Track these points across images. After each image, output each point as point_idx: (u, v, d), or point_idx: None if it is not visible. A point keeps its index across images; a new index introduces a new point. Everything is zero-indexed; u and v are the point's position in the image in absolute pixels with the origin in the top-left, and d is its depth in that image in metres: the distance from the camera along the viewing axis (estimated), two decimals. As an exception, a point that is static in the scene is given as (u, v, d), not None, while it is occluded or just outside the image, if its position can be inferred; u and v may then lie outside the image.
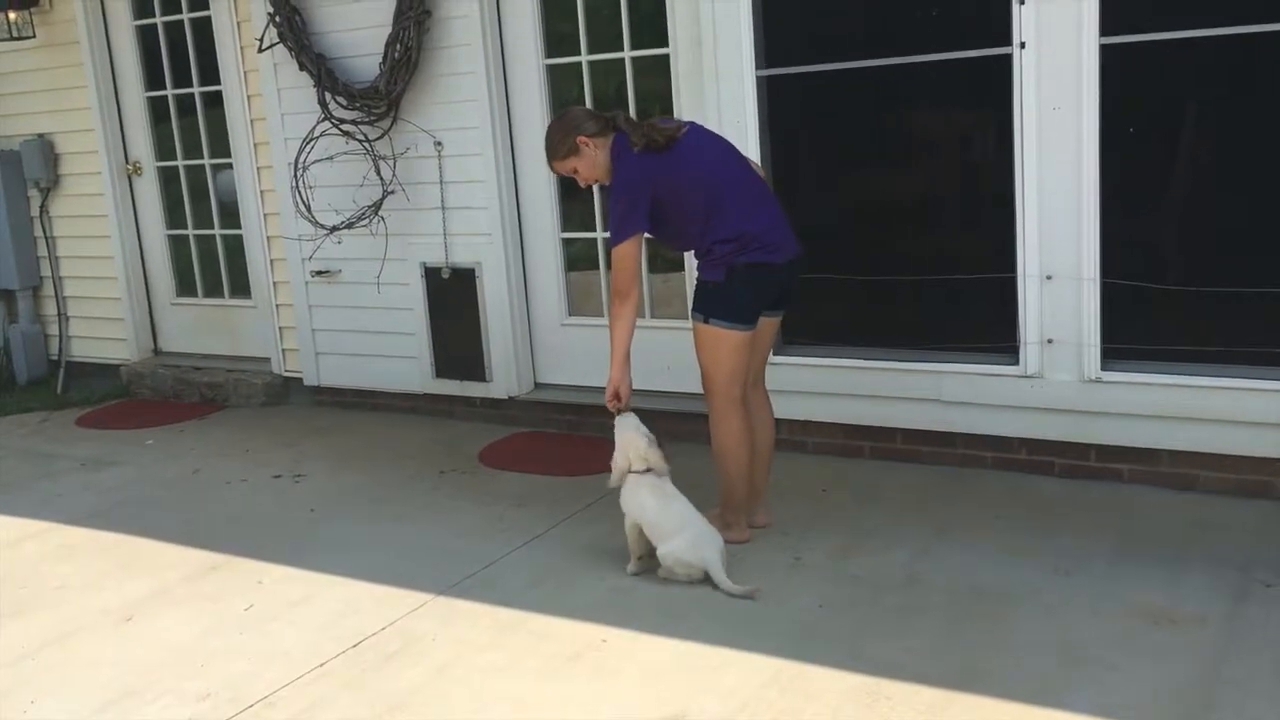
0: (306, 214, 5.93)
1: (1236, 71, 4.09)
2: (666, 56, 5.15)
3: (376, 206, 5.76)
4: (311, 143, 5.84)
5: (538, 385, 5.82)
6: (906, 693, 3.10)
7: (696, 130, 4.05)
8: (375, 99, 5.64)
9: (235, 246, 6.78)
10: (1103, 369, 4.33)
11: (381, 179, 5.74)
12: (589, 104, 5.38)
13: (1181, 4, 4.08)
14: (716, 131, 4.89)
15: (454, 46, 5.51)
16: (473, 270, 5.69)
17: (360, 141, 5.76)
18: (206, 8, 6.41)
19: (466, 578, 4.04)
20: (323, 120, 5.79)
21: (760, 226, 3.91)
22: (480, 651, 3.54)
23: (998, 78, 4.34)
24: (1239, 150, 4.18)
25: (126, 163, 7.03)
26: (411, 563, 4.21)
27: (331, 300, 6.19)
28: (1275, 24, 3.90)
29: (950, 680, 3.13)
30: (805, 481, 4.70)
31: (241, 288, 6.81)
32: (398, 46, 5.53)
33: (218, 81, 6.47)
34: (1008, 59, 4.30)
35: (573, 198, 5.60)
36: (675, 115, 5.15)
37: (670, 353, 5.39)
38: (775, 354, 4.98)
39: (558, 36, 5.45)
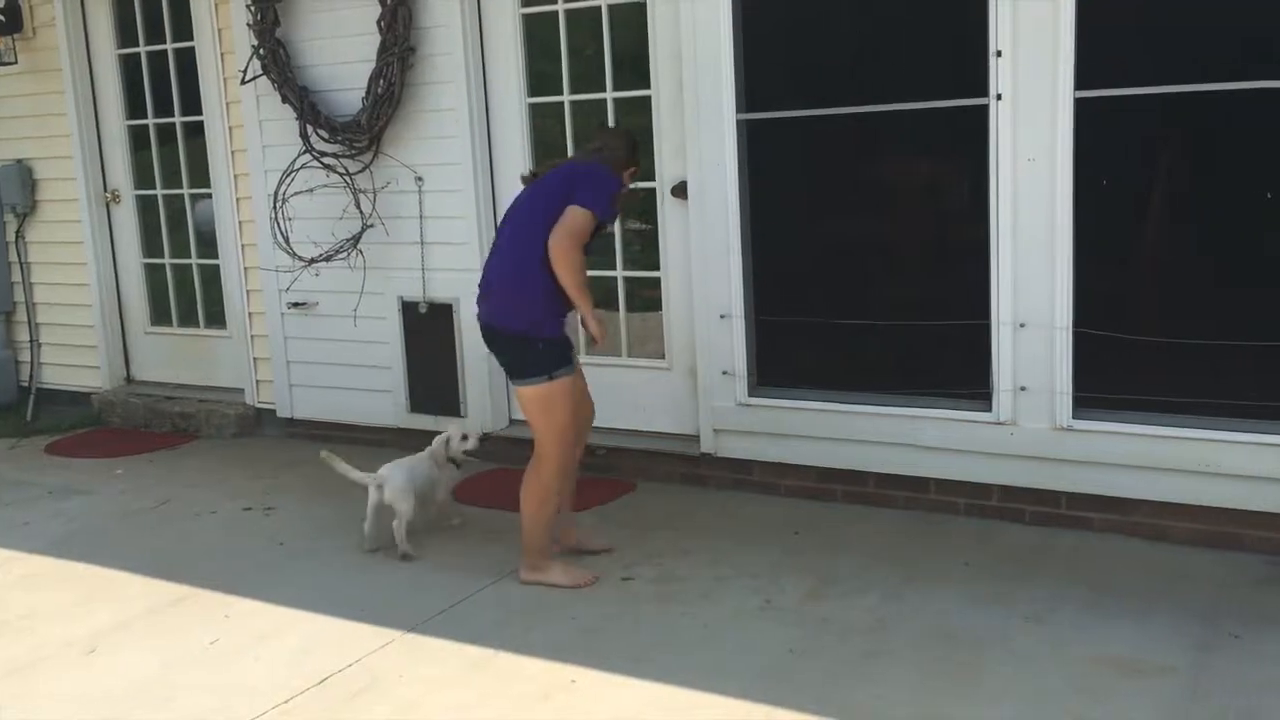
0: (285, 246, 5.92)
1: (1209, 125, 4.16)
2: (648, 98, 5.20)
3: (355, 240, 5.77)
4: (292, 175, 5.85)
5: (513, 422, 5.80)
6: (875, 739, 3.10)
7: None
8: (357, 133, 5.66)
9: (212, 276, 6.76)
10: (1074, 417, 4.36)
11: (361, 212, 5.75)
12: (570, 143, 5.42)
13: (1155, 60, 4.16)
14: (697, 172, 4.98)
15: (437, 83, 5.55)
16: (450, 305, 5.70)
17: (341, 175, 5.77)
18: (190, 38, 6.43)
19: (436, 614, 4.01)
20: (304, 153, 5.81)
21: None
22: (448, 690, 3.51)
23: (975, 128, 4.40)
24: (1211, 202, 4.24)
25: (105, 190, 7.01)
26: (381, 598, 4.18)
27: (307, 332, 6.18)
28: (1245, 83, 3.97)
29: (920, 727, 3.13)
30: (777, 524, 4.70)
31: (216, 318, 6.79)
32: (381, 82, 5.56)
33: (199, 112, 6.47)
34: (984, 110, 4.36)
35: (552, 235, 5.61)
36: (656, 155, 5.20)
37: (645, 392, 5.42)
38: (750, 395, 5.03)
39: (540, 76, 5.49)
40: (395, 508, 4.62)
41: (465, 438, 4.83)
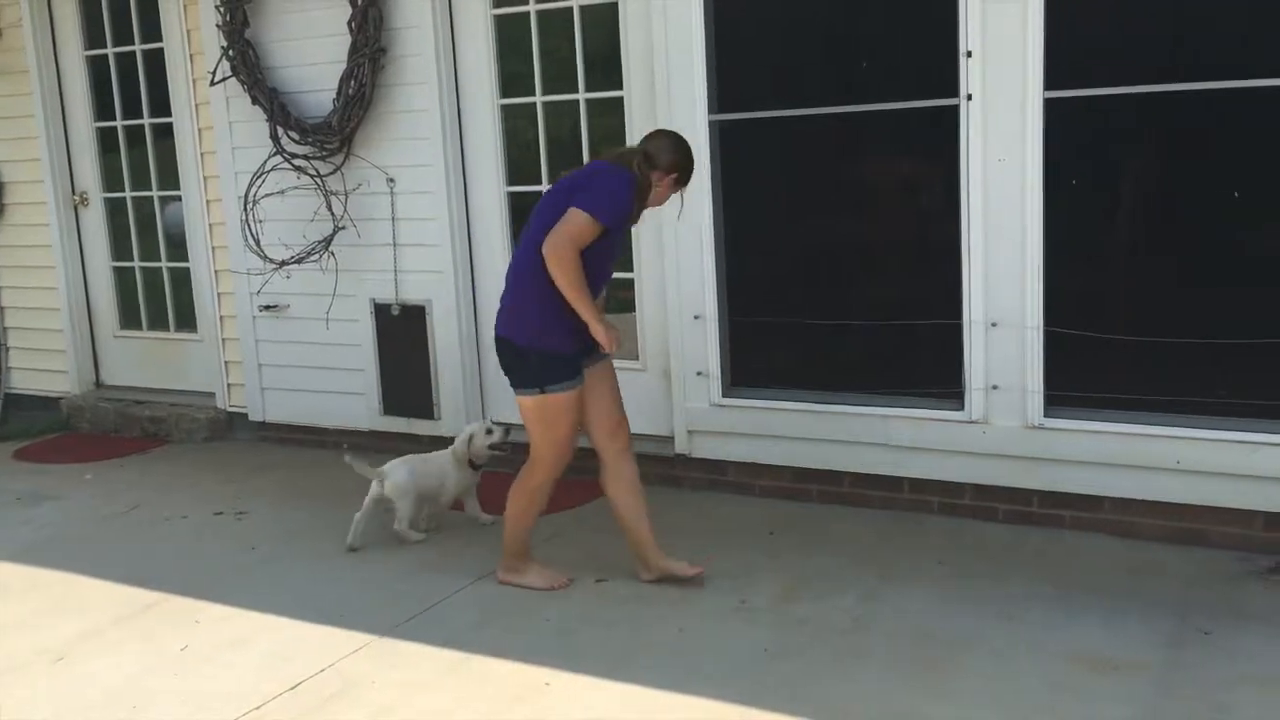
0: (256, 248, 5.88)
1: (1178, 125, 4.19)
2: (621, 99, 5.19)
3: (327, 242, 5.73)
4: (262, 177, 5.82)
5: (487, 424, 5.78)
6: (850, 738, 3.10)
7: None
8: (328, 134, 5.62)
9: (182, 279, 6.70)
10: (1045, 415, 4.39)
11: (333, 214, 5.72)
12: (543, 144, 5.42)
13: (1125, 60, 4.19)
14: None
15: (408, 84, 5.52)
16: (423, 307, 5.67)
17: (312, 177, 5.74)
18: (159, 39, 6.38)
19: (410, 618, 3.99)
20: (274, 154, 5.77)
21: None
22: (422, 693, 3.49)
23: (946, 128, 4.42)
24: (1180, 202, 4.27)
25: (73, 193, 6.94)
26: (354, 603, 4.15)
27: (279, 335, 6.14)
28: (1215, 82, 4.00)
29: (894, 726, 3.14)
30: (752, 524, 4.71)
31: (187, 321, 6.73)
32: (352, 83, 5.53)
33: (168, 113, 6.42)
34: (955, 110, 4.38)
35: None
36: (628, 157, 5.19)
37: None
38: (724, 396, 5.03)
39: (513, 77, 5.47)
40: (395, 505, 4.63)
41: (490, 431, 4.72)
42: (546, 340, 3.90)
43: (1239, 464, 4.09)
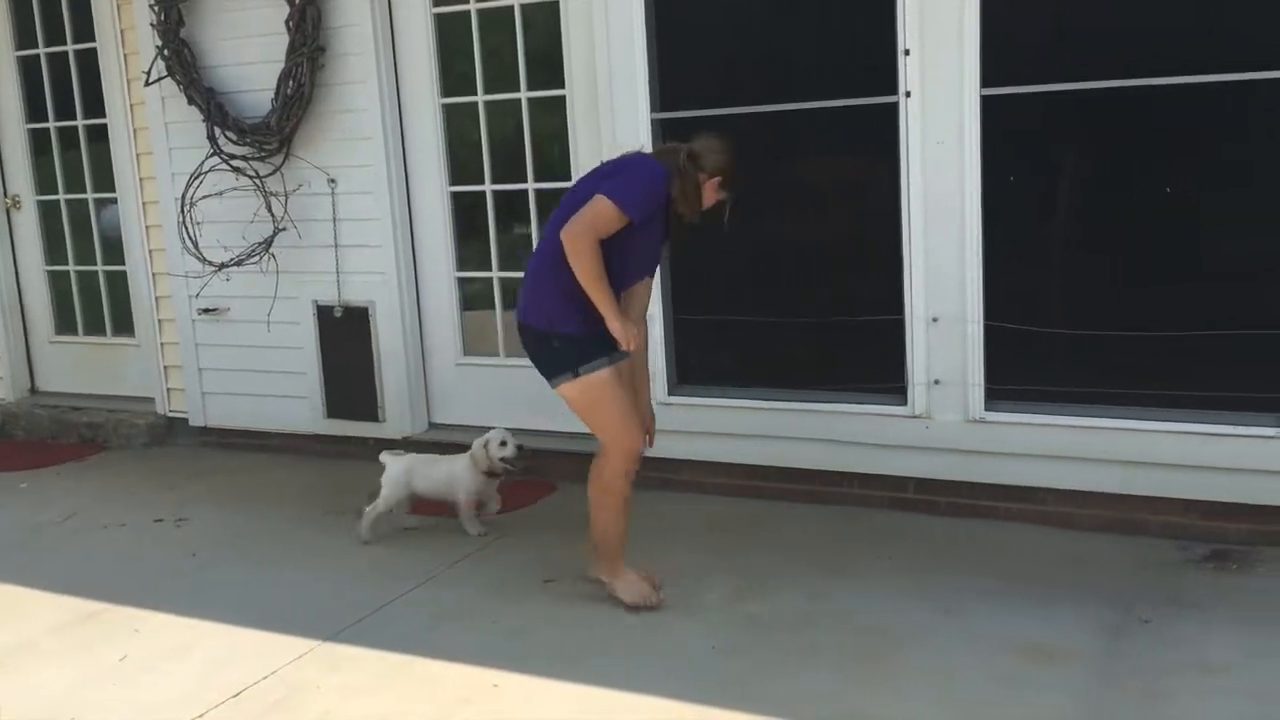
0: (194, 251, 5.79)
1: (1114, 122, 4.25)
2: (564, 98, 5.18)
3: (267, 244, 5.66)
4: (200, 178, 5.73)
5: (432, 425, 5.75)
6: (798, 733, 3.11)
7: None
8: (267, 135, 5.55)
9: (118, 283, 6.58)
10: (986, 409, 4.44)
11: (273, 216, 5.64)
12: (486, 144, 5.39)
13: (1061, 58, 4.24)
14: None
15: (348, 84, 5.47)
16: (366, 309, 5.62)
17: (251, 178, 5.66)
18: (92, 39, 6.26)
19: (355, 622, 3.95)
20: (212, 155, 5.69)
21: None
22: (367, 698, 3.45)
23: (886, 126, 4.45)
24: (1116, 197, 4.34)
25: (4, 196, 6.79)
26: (298, 608, 4.10)
27: (219, 339, 6.05)
28: (1149, 79, 4.07)
29: (840, 720, 3.16)
30: (701, 523, 4.72)
31: (125, 325, 6.61)
32: (290, 82, 5.46)
33: (103, 114, 6.30)
34: (894, 107, 4.41)
35: (469, 237, 5.58)
36: (572, 155, 5.18)
37: (533, 390, 5.39)
38: (671, 394, 5.04)
39: (454, 76, 5.44)
40: (381, 490, 4.70)
41: (504, 444, 4.59)
42: (568, 324, 3.72)
43: (1176, 454, 4.16)
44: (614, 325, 3.67)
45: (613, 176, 3.70)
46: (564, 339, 3.74)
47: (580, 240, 3.60)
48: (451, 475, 4.68)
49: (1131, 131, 4.23)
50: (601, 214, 3.61)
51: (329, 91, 5.51)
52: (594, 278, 3.62)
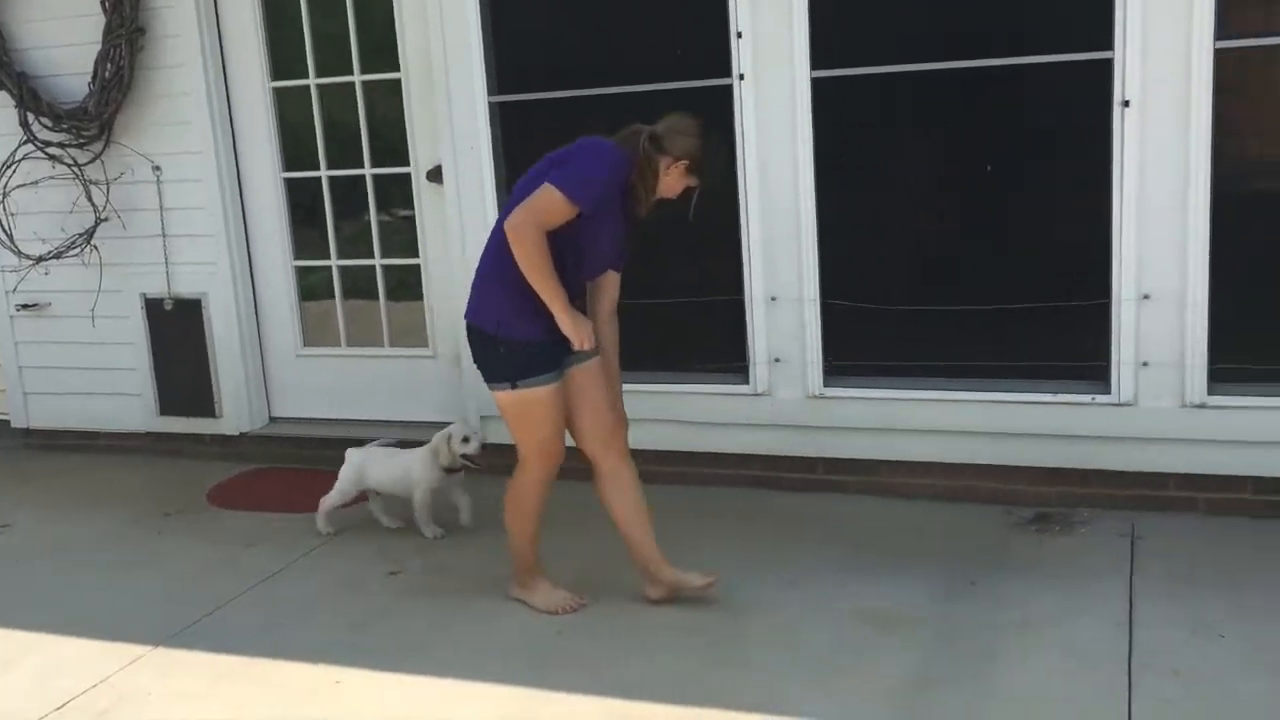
0: (9, 243, 5.51)
1: (945, 103, 4.39)
2: (399, 80, 5.07)
3: (89, 235, 5.40)
4: (12, 166, 5.44)
5: (272, 420, 5.59)
6: (645, 712, 3.13)
7: None
8: (85, 120, 5.29)
9: (-72, 279, 6.19)
10: (825, 385, 4.54)
11: (94, 205, 5.39)
12: (319, 128, 5.24)
13: (890, 40, 4.35)
14: (451, 157, 4.90)
15: (170, 67, 5.25)
16: (198, 301, 5.42)
17: (69, 166, 5.39)
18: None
19: (190, 625, 3.82)
20: (25, 143, 5.41)
21: None
22: (201, 702, 3.34)
23: (723, 108, 4.50)
24: (947, 176, 4.49)
25: None
26: (131, 613, 3.94)
27: (41, 335, 5.75)
28: (975, 60, 4.20)
29: (689, 697, 3.18)
30: (551, 507, 4.67)
31: (-64, 324, 6.23)
32: (108, 65, 5.22)
33: (-97, 99, 5.91)
34: (729, 90, 4.46)
35: (307, 225, 5.42)
36: (409, 140, 5.09)
37: (410, 382, 5.32)
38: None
39: (285, 58, 5.27)
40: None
41: (467, 439, 4.35)
42: (515, 328, 3.46)
43: (1003, 423, 4.33)
44: (564, 322, 3.42)
45: (562, 164, 3.42)
46: (512, 346, 3.47)
47: (522, 231, 3.33)
48: (407, 470, 4.44)
49: (959, 111, 4.37)
50: (547, 203, 3.33)
51: (151, 75, 5.28)
52: (538, 271, 3.34)
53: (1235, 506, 4.13)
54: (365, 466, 4.52)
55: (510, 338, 3.46)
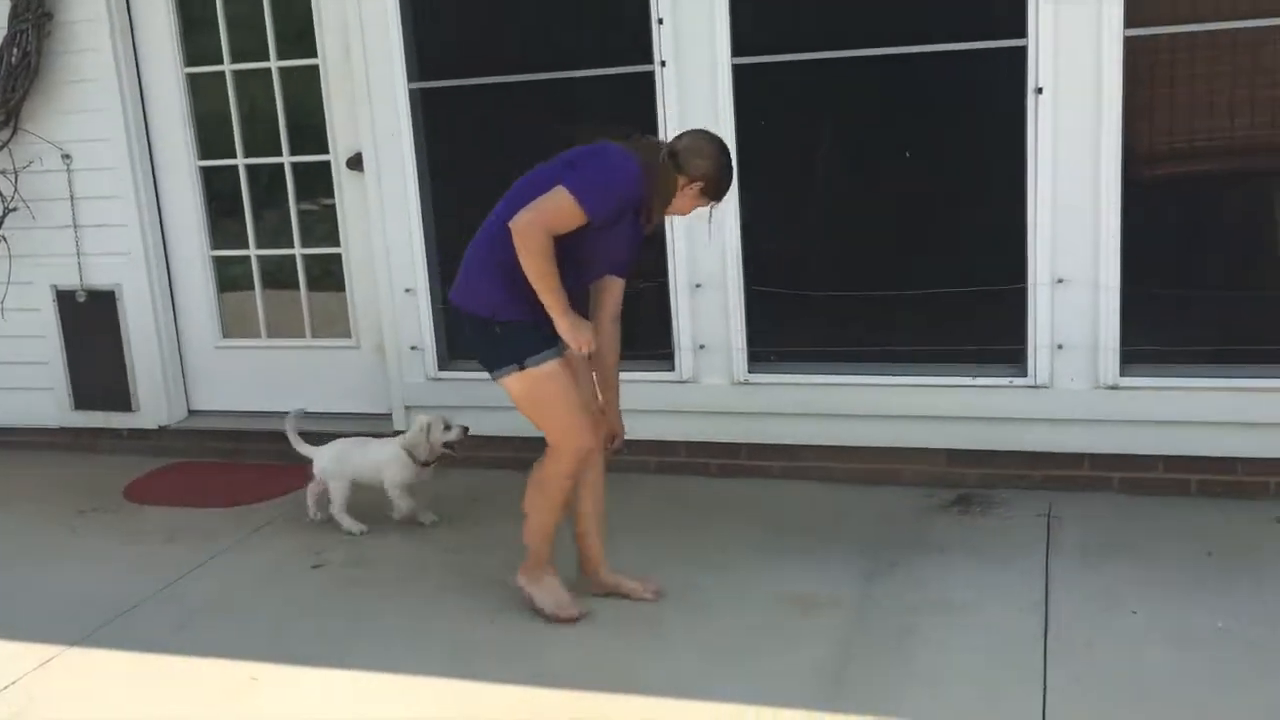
0: (-89, 235, 5.33)
1: (865, 91, 4.42)
2: (316, 67, 4.99)
3: (-4, 225, 5.26)
4: (-86, 154, 5.27)
5: (192, 413, 5.49)
6: (565, 699, 3.13)
7: None
8: (-10, 108, 5.14)
9: None
10: (750, 371, 4.56)
11: (1, 195, 5.24)
12: (235, 115, 5.15)
13: (811, 27, 4.37)
14: (371, 144, 4.83)
15: (80, 52, 5.11)
16: (112, 292, 5.30)
17: (-26, 155, 5.24)
18: None
19: (105, 624, 3.73)
20: (-73, 131, 5.23)
21: None
22: (115, 704, 3.27)
23: (644, 94, 4.49)
24: (868, 164, 4.52)
25: None
26: (43, 614, 3.85)
27: (-54, 330, 5.59)
28: (893, 48, 4.23)
29: (609, 684, 3.18)
30: (474, 497, 4.67)
31: None
32: (15, 50, 5.06)
33: None
34: (651, 76, 4.45)
35: (225, 214, 5.32)
36: (328, 127, 5.02)
37: (333, 373, 5.25)
38: (441, 368, 4.97)
39: (199, 44, 5.16)
40: (329, 488, 4.37)
41: (449, 428, 4.24)
42: (513, 311, 3.34)
43: (923, 406, 4.39)
44: (563, 326, 3.30)
45: (580, 167, 3.30)
46: (508, 327, 3.36)
47: (530, 235, 3.20)
48: (377, 464, 4.31)
49: (881, 99, 4.41)
50: (558, 208, 3.21)
51: (59, 60, 5.14)
52: (544, 276, 3.23)
53: (1146, 485, 4.23)
54: (342, 460, 4.36)
55: (507, 319, 3.36)
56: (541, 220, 3.21)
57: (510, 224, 3.24)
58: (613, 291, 3.55)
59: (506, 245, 3.27)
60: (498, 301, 3.36)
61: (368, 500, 4.41)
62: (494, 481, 4.78)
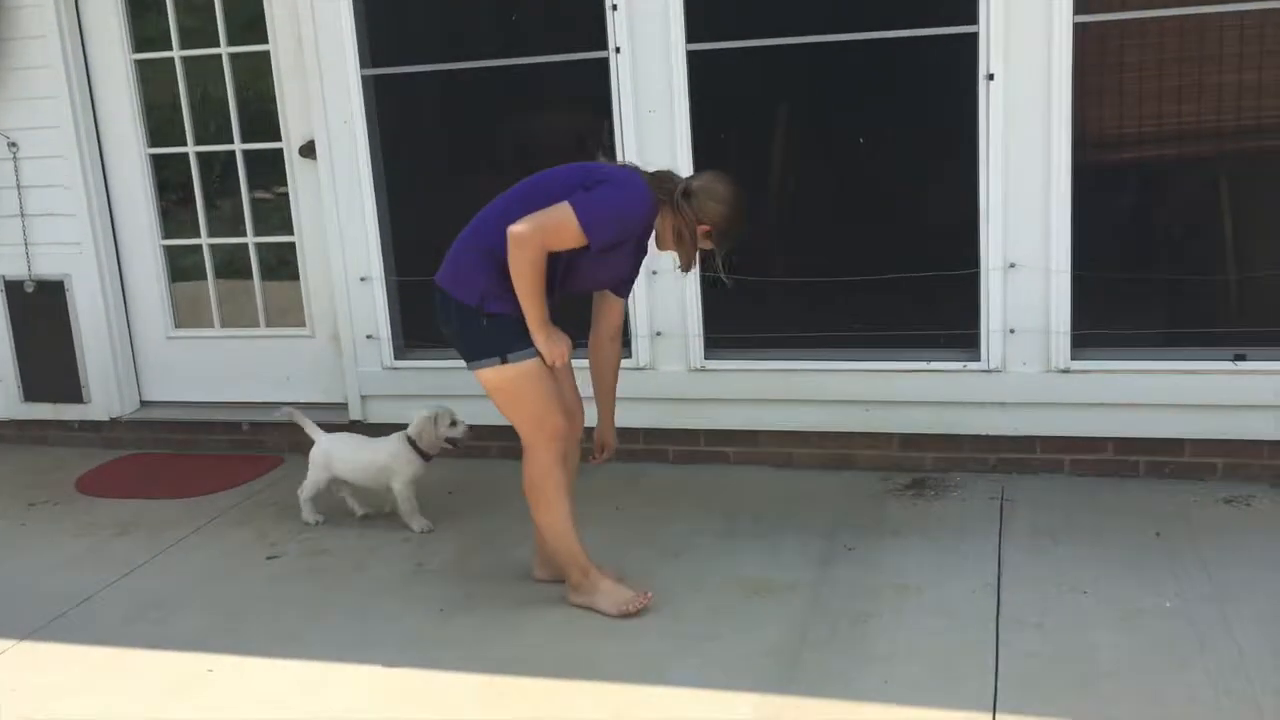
0: None
1: (819, 77, 4.43)
2: (268, 53, 4.94)
3: (-59, 215, 5.17)
4: None
5: (144, 404, 5.42)
6: (523, 686, 3.13)
7: None
8: (-67, 95, 5.05)
9: None
10: (706, 358, 4.57)
11: (-55, 185, 5.15)
12: (185, 103, 5.08)
13: (766, 13, 4.37)
14: (324, 131, 4.80)
15: (25, 38, 5.02)
16: (61, 282, 5.22)
17: (-83, 142, 5.14)
18: None
19: (57, 617, 3.69)
20: None
21: None
22: (69, 698, 3.23)
23: (599, 81, 4.48)
24: (822, 150, 4.54)
25: None
26: (-8, 608, 3.80)
27: (-108, 322, 5.49)
28: (846, 34, 4.25)
29: (566, 670, 3.20)
30: (431, 486, 4.64)
31: None
32: (-42, 36, 4.98)
33: None
34: (605, 63, 4.44)
35: (177, 203, 5.26)
36: (280, 115, 4.97)
37: (287, 362, 5.21)
38: (397, 358, 4.95)
39: (148, 29, 5.09)
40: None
41: (455, 422, 4.13)
42: (501, 303, 3.31)
43: (878, 391, 4.42)
44: (539, 338, 3.31)
45: (591, 187, 3.27)
46: (496, 320, 3.32)
47: (526, 245, 3.19)
48: (376, 464, 4.20)
49: (834, 86, 4.42)
50: (559, 227, 3.20)
51: (5, 47, 5.05)
52: (529, 286, 3.23)
53: (1097, 467, 4.29)
54: (330, 457, 4.29)
55: (494, 311, 3.33)
56: (540, 236, 3.20)
57: (509, 229, 3.22)
58: (613, 310, 3.56)
59: (498, 240, 3.27)
60: (488, 291, 3.33)
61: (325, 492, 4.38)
62: (451, 471, 4.76)
